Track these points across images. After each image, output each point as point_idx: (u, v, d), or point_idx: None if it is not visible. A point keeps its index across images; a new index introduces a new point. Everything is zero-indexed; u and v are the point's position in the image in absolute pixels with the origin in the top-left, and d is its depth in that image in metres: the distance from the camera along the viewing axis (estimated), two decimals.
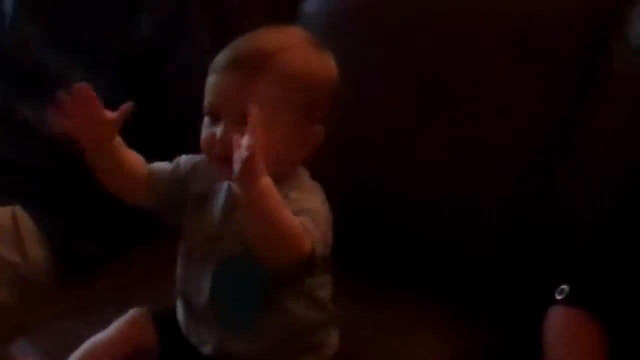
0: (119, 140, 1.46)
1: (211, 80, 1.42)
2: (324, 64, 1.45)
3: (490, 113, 1.77)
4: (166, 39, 1.96)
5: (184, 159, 1.51)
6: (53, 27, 1.98)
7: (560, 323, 1.50)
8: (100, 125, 1.42)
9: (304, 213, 1.37)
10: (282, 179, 1.40)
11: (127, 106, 1.43)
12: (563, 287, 1.51)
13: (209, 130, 1.42)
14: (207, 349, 1.49)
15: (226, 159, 1.36)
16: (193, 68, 1.94)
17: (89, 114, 1.41)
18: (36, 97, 1.94)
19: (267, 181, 1.30)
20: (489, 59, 1.77)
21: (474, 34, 1.78)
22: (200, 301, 1.47)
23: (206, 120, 1.43)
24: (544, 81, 1.75)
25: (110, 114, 1.43)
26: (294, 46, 1.44)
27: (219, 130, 1.40)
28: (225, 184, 1.46)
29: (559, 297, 1.50)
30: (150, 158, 1.84)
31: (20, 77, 1.98)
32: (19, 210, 1.86)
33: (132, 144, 1.91)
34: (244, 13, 1.95)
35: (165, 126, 1.97)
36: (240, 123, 1.37)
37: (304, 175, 1.47)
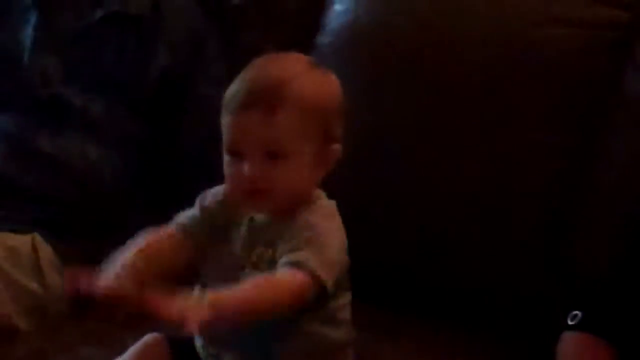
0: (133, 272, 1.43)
1: (229, 120, 1.44)
2: (331, 84, 1.47)
3: (505, 135, 1.78)
4: (182, 72, 1.99)
5: (210, 194, 1.52)
6: (73, 60, 2.00)
7: (572, 348, 1.51)
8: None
9: (304, 245, 1.39)
10: (302, 203, 1.43)
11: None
12: (575, 313, 1.51)
13: (233, 168, 1.43)
14: None
15: (254, 193, 1.41)
16: (208, 101, 1.97)
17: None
18: (55, 127, 1.97)
19: (209, 305, 1.31)
20: (502, 88, 1.79)
21: (488, 64, 1.80)
22: (221, 330, 1.50)
23: (228, 158, 1.44)
24: (559, 108, 1.76)
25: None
26: (302, 73, 1.45)
27: (245, 167, 1.42)
28: (248, 217, 1.48)
29: (571, 323, 1.51)
30: (167, 188, 1.87)
31: (37, 108, 1.99)
32: (37, 238, 1.87)
33: (150, 176, 1.94)
34: (261, 47, 1.97)
35: (181, 158, 1.99)
36: (266, 157, 1.40)
37: (323, 197, 1.48)
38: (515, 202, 1.77)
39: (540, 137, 1.76)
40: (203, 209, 1.52)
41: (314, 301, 1.41)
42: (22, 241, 1.87)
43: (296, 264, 1.37)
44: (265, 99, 1.41)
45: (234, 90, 1.45)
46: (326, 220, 1.44)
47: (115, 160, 1.95)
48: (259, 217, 1.47)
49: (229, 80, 1.96)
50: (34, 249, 1.87)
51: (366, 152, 1.80)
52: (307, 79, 1.45)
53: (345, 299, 1.50)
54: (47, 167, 1.95)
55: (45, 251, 1.87)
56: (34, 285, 1.85)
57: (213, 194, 1.52)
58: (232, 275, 1.47)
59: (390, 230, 1.84)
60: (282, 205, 1.44)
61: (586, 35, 1.77)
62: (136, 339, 1.56)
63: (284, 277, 1.38)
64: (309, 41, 1.95)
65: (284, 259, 1.39)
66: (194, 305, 1.31)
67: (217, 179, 1.54)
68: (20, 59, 2.04)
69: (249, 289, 1.38)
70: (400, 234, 1.84)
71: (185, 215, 1.52)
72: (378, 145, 1.80)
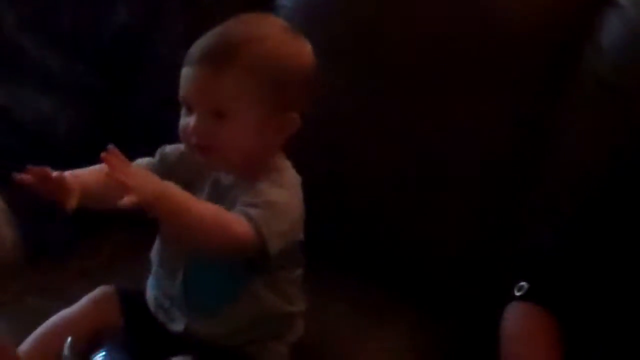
0: (78, 177, 1.43)
1: (184, 72, 1.45)
2: (296, 51, 1.47)
3: (459, 110, 1.78)
4: (140, 30, 1.97)
5: (169, 148, 1.53)
6: (30, 11, 1.98)
7: (517, 318, 1.52)
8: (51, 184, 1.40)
9: (259, 206, 1.40)
10: (257, 168, 1.44)
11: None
12: (522, 284, 1.53)
13: (184, 120, 1.45)
14: (175, 327, 1.51)
15: (203, 149, 1.41)
16: (165, 60, 1.96)
17: (52, 188, 1.40)
18: (9, 79, 1.95)
19: (159, 188, 1.34)
20: (459, 56, 1.78)
21: (444, 35, 1.80)
22: (173, 284, 1.50)
23: (183, 109, 1.45)
24: (514, 82, 1.76)
25: (69, 183, 1.40)
26: (265, 35, 1.45)
27: (192, 120, 1.43)
28: (211, 175, 1.49)
29: (517, 294, 1.53)
30: (120, 145, 1.86)
31: None
32: None
33: (104, 131, 1.93)
34: (219, 4, 1.97)
35: (135, 116, 1.99)
36: (212, 113, 1.41)
37: (284, 168, 1.49)
38: (466, 171, 1.78)
39: (493, 109, 1.77)
40: (162, 159, 1.53)
41: (257, 262, 1.42)
42: None
43: (248, 217, 1.39)
44: (218, 57, 1.42)
45: (197, 43, 1.46)
46: (287, 192, 1.45)
47: (70, 114, 1.94)
48: (223, 178, 1.48)
49: (188, 39, 1.96)
50: None
51: (319, 118, 1.80)
52: (271, 43, 1.45)
53: (296, 273, 1.53)
54: (1, 118, 1.93)
55: None
56: None
57: (173, 148, 1.53)
58: None
59: (343, 197, 1.84)
60: (233, 166, 1.45)
61: (545, 11, 1.78)
62: (87, 292, 1.58)
63: (234, 218, 1.39)
64: (270, 2, 1.94)
65: (239, 208, 1.41)
66: (146, 177, 1.32)
67: (170, 139, 1.55)
68: None
69: (200, 203, 1.39)
70: (353, 201, 1.85)
71: (144, 160, 1.53)
72: (330, 112, 1.79)
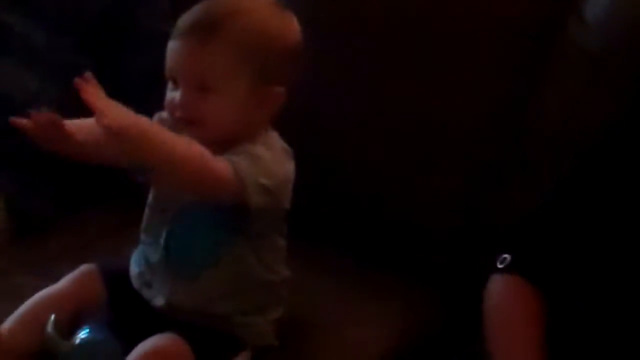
0: (76, 127, 1.44)
1: (170, 45, 1.45)
2: (282, 25, 1.47)
3: (442, 80, 1.78)
4: (127, 5, 1.97)
5: (165, 115, 1.52)
6: None
7: (500, 290, 1.53)
8: (50, 130, 1.41)
9: (242, 154, 1.40)
10: (243, 142, 1.44)
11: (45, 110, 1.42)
12: (505, 256, 1.53)
13: (170, 93, 1.45)
14: (158, 302, 1.52)
15: (187, 122, 1.42)
16: (152, 36, 1.96)
17: (52, 135, 1.41)
18: None
19: (133, 117, 1.33)
20: (443, 30, 1.78)
21: (427, 10, 1.79)
22: (156, 251, 1.51)
23: (169, 84, 1.45)
24: (498, 54, 1.76)
25: (71, 128, 1.41)
26: (251, 9, 1.45)
27: (177, 94, 1.43)
28: None
29: (500, 266, 1.53)
30: None
31: None
32: None
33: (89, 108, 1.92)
34: None
35: (122, 92, 1.98)
36: (196, 87, 1.41)
37: (274, 137, 1.49)
38: (448, 143, 1.78)
39: (475, 82, 1.77)
40: (159, 122, 1.52)
41: (239, 219, 1.42)
42: None
43: (230, 161, 1.39)
44: (203, 29, 1.42)
45: (183, 16, 1.46)
46: (273, 154, 1.45)
47: (56, 91, 1.94)
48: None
49: (173, 15, 1.95)
50: None
51: (303, 92, 1.80)
52: (255, 15, 1.45)
53: (279, 243, 1.53)
54: None
55: None
56: None
57: (164, 117, 1.52)
58: (170, 199, 1.49)
59: (325, 170, 1.84)
60: (216, 140, 1.45)
61: None
62: (71, 270, 1.58)
63: (214, 158, 1.38)
64: None
65: (224, 155, 1.41)
66: (120, 106, 1.32)
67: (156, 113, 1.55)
68: None
69: (183, 139, 1.38)
70: (335, 174, 1.85)
71: None
72: (311, 83, 1.79)
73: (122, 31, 1.98)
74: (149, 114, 1.55)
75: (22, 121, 1.40)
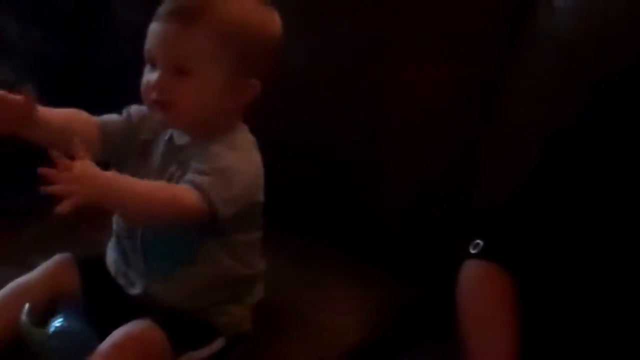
0: (43, 111, 1.45)
1: (152, 27, 1.46)
2: (263, 19, 1.48)
3: (411, 64, 1.79)
4: None
5: (134, 108, 1.55)
6: None
7: (472, 275, 1.53)
8: (14, 113, 1.42)
9: (209, 173, 1.41)
10: (212, 130, 1.45)
11: (29, 90, 1.43)
12: (477, 241, 1.53)
13: (147, 75, 1.46)
14: (134, 290, 1.52)
15: (161, 105, 1.43)
16: (125, 25, 1.96)
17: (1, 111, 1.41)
18: None
19: (99, 184, 1.34)
20: (410, 16, 1.79)
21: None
22: (132, 245, 1.52)
23: (147, 66, 1.46)
24: (468, 38, 1.77)
25: (20, 100, 1.42)
26: (237, 0, 1.47)
27: (154, 76, 1.44)
28: (167, 134, 1.50)
29: (473, 251, 1.53)
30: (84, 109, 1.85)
31: None
32: None
33: (64, 97, 1.92)
34: None
35: (96, 82, 1.99)
36: (174, 70, 1.43)
37: (241, 130, 1.50)
38: (419, 130, 1.79)
39: (446, 67, 1.77)
40: (127, 117, 1.54)
41: (209, 229, 1.44)
42: None
43: (196, 186, 1.40)
44: (185, 14, 1.43)
45: (167, 1, 1.46)
46: (239, 155, 1.46)
47: (30, 82, 1.93)
48: (178, 138, 1.49)
49: (148, 4, 1.95)
50: None
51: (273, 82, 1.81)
52: (240, 7, 1.46)
53: (254, 235, 1.54)
54: None
55: None
56: None
57: (138, 107, 1.54)
58: None
59: (297, 159, 1.85)
60: (188, 125, 1.46)
61: None
62: (45, 260, 1.58)
63: (181, 191, 1.40)
64: None
65: (188, 177, 1.42)
66: (85, 177, 1.32)
67: (129, 103, 1.55)
68: None
69: (146, 184, 1.41)
70: (307, 163, 1.86)
71: (109, 115, 1.54)
72: (284, 76, 1.80)
73: (95, 20, 1.98)
74: (120, 103, 1.56)
75: None
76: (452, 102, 1.78)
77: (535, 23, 1.75)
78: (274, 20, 1.49)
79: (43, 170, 1.32)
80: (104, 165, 1.41)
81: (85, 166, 1.34)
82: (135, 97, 1.51)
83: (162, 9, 1.46)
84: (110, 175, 1.37)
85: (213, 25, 1.43)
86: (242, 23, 1.45)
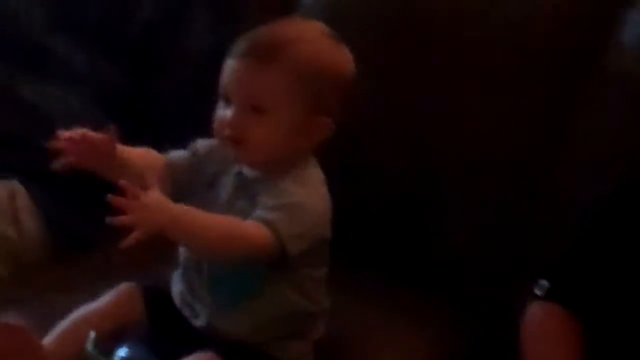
0: (121, 150, 1.48)
1: (228, 63, 1.47)
2: (336, 57, 1.49)
3: (477, 107, 1.79)
4: (167, 25, 1.98)
5: (201, 143, 1.56)
6: (57, 10, 2.01)
7: (537, 318, 1.52)
8: (97, 150, 1.46)
9: (278, 209, 1.42)
10: (283, 166, 1.46)
11: (114, 130, 1.46)
12: (542, 282, 1.53)
13: (220, 112, 1.47)
14: (198, 322, 1.53)
15: (235, 141, 1.44)
16: (191, 56, 1.98)
17: (85, 148, 1.45)
18: (38, 76, 1.97)
19: (167, 217, 1.35)
20: (478, 55, 1.79)
21: (464, 35, 1.81)
22: (198, 277, 1.52)
23: (220, 102, 1.47)
24: (534, 74, 1.77)
25: (104, 139, 1.45)
26: (309, 39, 1.48)
27: (228, 113, 1.45)
28: (236, 167, 1.51)
29: (538, 293, 1.52)
30: (146, 141, 1.88)
31: (22, 57, 2.00)
32: (16, 185, 1.88)
33: (131, 127, 1.95)
34: (248, 3, 1.98)
35: (163, 112, 2.00)
36: (248, 108, 1.43)
37: (310, 167, 1.50)
38: (484, 168, 1.79)
39: (510, 111, 1.77)
40: (194, 152, 1.55)
41: (277, 265, 1.44)
42: None
43: (266, 222, 1.40)
44: (261, 53, 1.44)
45: (244, 36, 1.48)
46: (308, 191, 1.46)
47: (97, 112, 1.96)
48: (247, 172, 1.50)
49: (213, 35, 1.97)
50: (12, 196, 1.87)
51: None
52: (311, 44, 1.47)
53: (320, 272, 1.54)
54: (29, 115, 1.94)
55: (23, 198, 1.88)
56: (10, 232, 1.85)
57: (205, 142, 1.55)
58: None
59: (363, 196, 1.85)
60: (260, 162, 1.47)
61: (568, 7, 1.78)
62: (110, 288, 1.59)
63: (251, 227, 1.40)
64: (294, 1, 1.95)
65: (257, 212, 1.42)
66: (153, 208, 1.34)
67: (196, 133, 1.57)
68: (5, 9, 2.04)
69: (215, 218, 1.41)
70: (373, 200, 1.86)
71: (176, 152, 1.55)
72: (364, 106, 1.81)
73: (162, 50, 2.00)
74: (189, 132, 1.57)
75: (59, 141, 1.46)
76: (515, 145, 1.77)
77: (604, 60, 1.74)
78: (347, 59, 1.50)
79: (113, 198, 1.33)
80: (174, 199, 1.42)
81: (154, 195, 1.35)
82: (201, 128, 1.52)
83: (238, 46, 1.47)
84: (180, 206, 1.38)
85: (288, 64, 1.44)
86: (317, 62, 1.46)
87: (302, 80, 1.44)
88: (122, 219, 1.33)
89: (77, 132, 1.46)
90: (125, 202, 1.33)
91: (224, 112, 1.46)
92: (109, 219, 1.33)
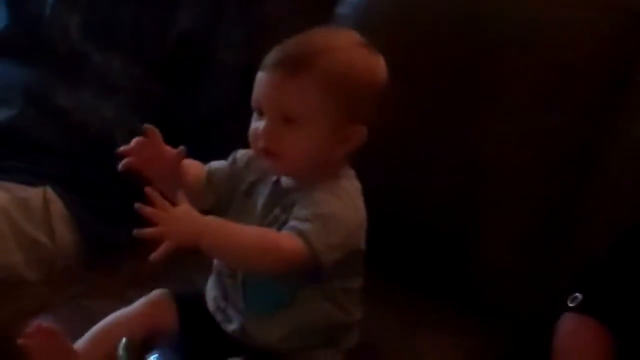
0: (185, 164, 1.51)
1: (259, 76, 1.47)
2: (369, 66, 1.48)
3: (511, 124, 1.78)
4: (201, 36, 2.00)
5: (240, 153, 1.56)
6: (93, 18, 2.02)
7: (570, 330, 1.52)
8: (163, 162, 1.48)
9: (312, 220, 1.41)
10: (319, 176, 1.46)
11: (183, 149, 1.49)
12: (576, 295, 1.52)
13: (254, 124, 1.47)
14: (231, 327, 1.53)
15: (269, 153, 1.44)
16: (225, 67, 1.99)
17: (152, 154, 1.48)
18: (73, 84, 1.99)
19: (197, 228, 1.36)
20: (512, 77, 1.79)
21: (499, 44, 1.80)
22: (233, 283, 1.52)
23: (255, 114, 1.47)
24: (570, 94, 1.76)
25: (170, 153, 1.49)
26: (339, 47, 1.47)
27: (262, 124, 1.45)
28: (273, 176, 1.51)
29: (571, 305, 1.52)
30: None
31: (58, 64, 2.01)
32: (49, 192, 1.89)
33: (164, 136, 1.96)
34: (279, 10, 1.99)
35: (195, 122, 2.01)
36: (281, 120, 1.43)
37: (347, 177, 1.50)
38: (519, 186, 1.78)
39: (545, 127, 1.77)
40: (233, 161, 1.56)
41: (311, 275, 1.44)
42: (33, 194, 1.89)
43: (299, 232, 1.40)
44: (293, 64, 1.44)
45: (275, 48, 1.48)
46: (343, 202, 1.45)
47: (131, 119, 1.96)
48: (284, 181, 1.50)
49: (247, 46, 1.97)
50: (46, 202, 1.89)
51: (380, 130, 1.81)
52: (345, 54, 1.46)
53: (354, 283, 1.53)
54: (63, 122, 1.96)
55: (57, 205, 1.89)
56: (43, 238, 1.87)
57: (244, 152, 1.55)
58: None
59: (399, 209, 1.86)
60: (295, 172, 1.47)
61: (600, 19, 1.77)
62: (142, 295, 1.59)
63: (283, 238, 1.40)
64: (329, 10, 1.95)
65: (291, 223, 1.42)
66: (183, 220, 1.34)
67: (230, 143, 1.57)
68: (42, 15, 2.06)
69: (246, 231, 1.41)
70: (408, 214, 1.86)
71: (216, 162, 1.56)
72: (395, 124, 1.81)
73: (197, 60, 2.01)
74: (218, 144, 1.58)
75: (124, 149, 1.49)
76: (549, 160, 1.77)
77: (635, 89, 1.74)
78: (379, 66, 1.49)
79: (141, 207, 1.34)
80: (205, 211, 1.43)
81: (184, 208, 1.36)
82: (234, 139, 1.53)
83: (269, 58, 1.47)
84: (210, 219, 1.38)
85: (320, 74, 1.43)
86: (349, 71, 1.45)
87: (333, 89, 1.43)
88: (151, 231, 1.33)
89: (152, 138, 1.49)
90: (155, 213, 1.33)
91: (257, 124, 1.46)
92: (136, 232, 1.34)
